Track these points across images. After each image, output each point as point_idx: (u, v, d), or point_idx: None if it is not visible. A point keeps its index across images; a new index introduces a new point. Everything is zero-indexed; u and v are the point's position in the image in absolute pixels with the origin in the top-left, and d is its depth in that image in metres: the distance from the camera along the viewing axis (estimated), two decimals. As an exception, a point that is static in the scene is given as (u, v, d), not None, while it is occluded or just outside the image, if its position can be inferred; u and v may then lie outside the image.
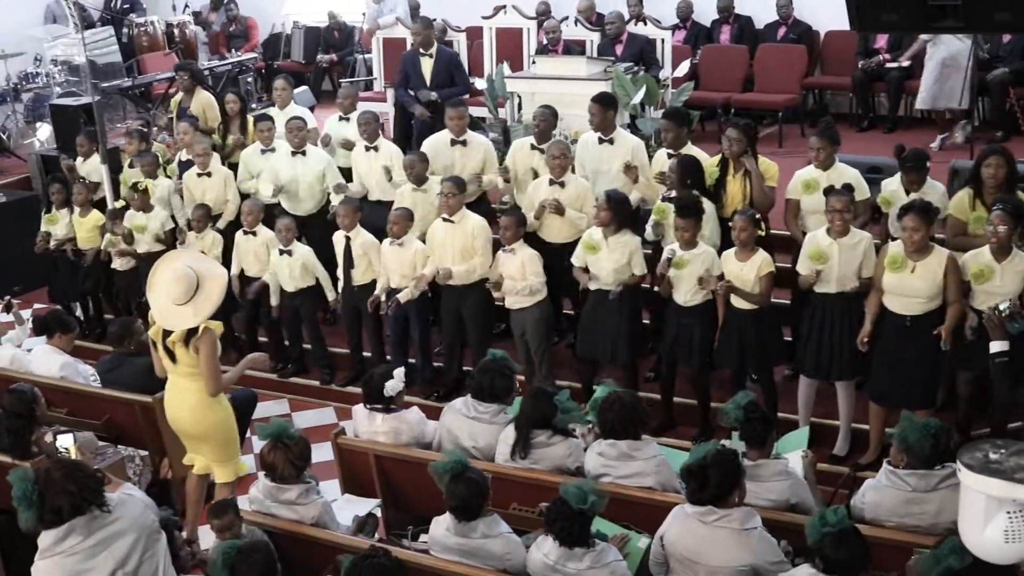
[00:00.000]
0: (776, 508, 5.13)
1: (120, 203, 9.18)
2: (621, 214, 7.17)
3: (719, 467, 4.66)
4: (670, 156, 7.67)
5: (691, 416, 7.43)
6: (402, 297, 7.76)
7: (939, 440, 4.98)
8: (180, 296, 5.82)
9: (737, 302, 6.82)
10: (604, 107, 7.97)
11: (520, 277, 7.41)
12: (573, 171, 7.96)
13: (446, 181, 7.71)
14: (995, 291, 6.16)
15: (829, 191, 6.71)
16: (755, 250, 6.76)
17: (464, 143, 8.50)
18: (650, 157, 8.16)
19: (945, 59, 10.60)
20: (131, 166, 9.53)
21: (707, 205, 7.16)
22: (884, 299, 6.46)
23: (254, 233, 8.47)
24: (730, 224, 6.88)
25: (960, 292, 6.28)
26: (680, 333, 7.08)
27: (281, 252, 8.25)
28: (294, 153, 8.84)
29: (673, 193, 7.37)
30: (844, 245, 6.59)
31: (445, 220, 7.67)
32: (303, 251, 8.27)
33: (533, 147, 8.26)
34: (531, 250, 7.43)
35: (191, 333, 5.85)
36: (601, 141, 8.03)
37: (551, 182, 7.75)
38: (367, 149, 8.75)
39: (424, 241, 7.83)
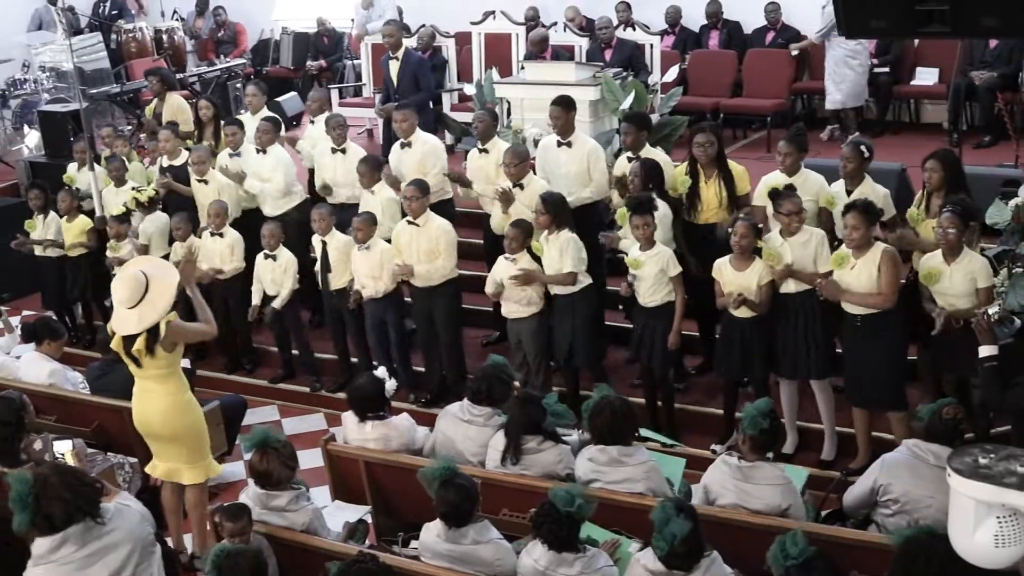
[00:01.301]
0: (768, 512, 5.13)
1: (120, 210, 9.16)
2: (558, 214, 7.24)
3: (692, 534, 4.43)
4: (630, 160, 7.73)
5: (685, 420, 7.47)
6: (365, 294, 7.87)
7: (941, 408, 5.19)
8: (126, 300, 5.72)
9: (736, 311, 6.83)
10: (567, 109, 8.01)
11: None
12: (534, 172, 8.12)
13: (408, 185, 7.79)
14: (945, 292, 6.26)
15: (776, 194, 6.81)
16: (752, 258, 6.77)
17: (409, 145, 8.55)
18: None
19: (838, 59, 10.91)
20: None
21: (661, 206, 7.22)
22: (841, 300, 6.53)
23: (221, 235, 8.49)
24: (729, 230, 6.88)
25: (891, 286, 6.32)
26: (644, 334, 7.17)
27: (266, 256, 8.26)
28: (258, 151, 8.89)
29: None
30: (795, 243, 6.66)
31: (410, 223, 7.72)
32: (287, 257, 8.26)
33: (480, 151, 8.37)
34: (534, 264, 7.43)
35: (153, 338, 5.76)
36: (560, 144, 8.06)
37: (512, 185, 7.83)
38: (334, 152, 8.80)
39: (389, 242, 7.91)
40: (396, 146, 8.75)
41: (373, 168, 8.26)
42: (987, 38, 10.17)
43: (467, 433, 5.95)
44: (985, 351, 5.55)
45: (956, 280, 6.23)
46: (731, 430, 7.02)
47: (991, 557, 3.73)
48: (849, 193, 7.00)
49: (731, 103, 11.92)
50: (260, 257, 8.33)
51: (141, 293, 5.70)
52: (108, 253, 8.97)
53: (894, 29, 5.10)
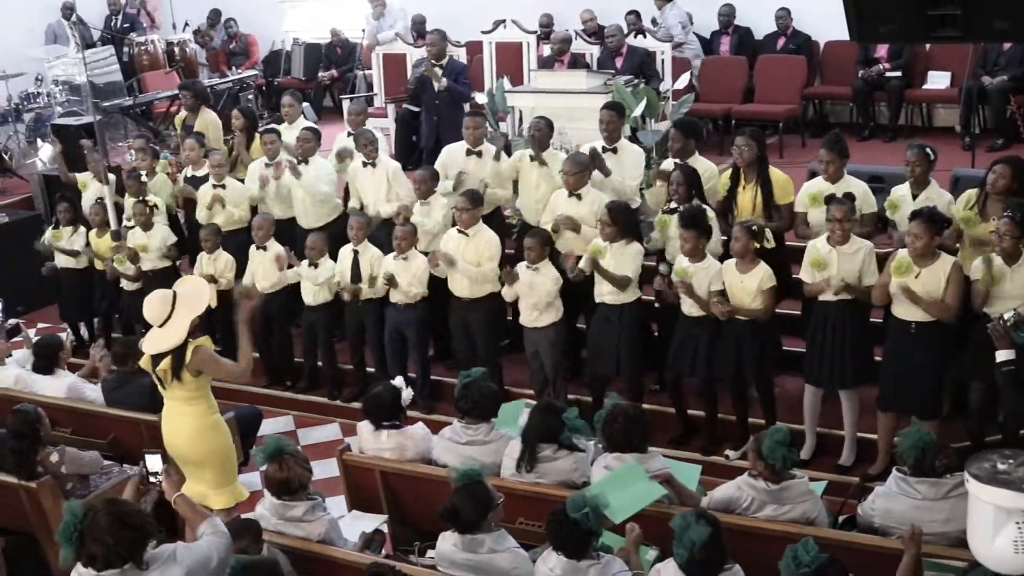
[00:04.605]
0: (799, 522, 5.14)
1: (127, 222, 9.20)
2: (625, 224, 7.17)
3: (712, 540, 4.40)
4: (676, 166, 7.66)
5: (698, 427, 7.45)
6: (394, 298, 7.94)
7: (925, 454, 5.03)
8: (154, 318, 5.69)
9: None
10: (620, 115, 7.98)
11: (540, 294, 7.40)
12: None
13: (460, 196, 7.74)
14: (1005, 295, 6.16)
15: (830, 200, 6.73)
16: (756, 262, 6.75)
17: (479, 154, 8.50)
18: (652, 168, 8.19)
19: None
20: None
21: (713, 217, 7.17)
22: (892, 305, 6.47)
23: (264, 248, 8.50)
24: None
25: (957, 300, 6.26)
26: (686, 343, 7.09)
27: (309, 265, 8.30)
28: (300, 161, 8.83)
29: (673, 205, 7.37)
30: (843, 253, 6.61)
31: (460, 232, 7.69)
32: (329, 267, 8.28)
33: (532, 158, 8.19)
34: (556, 271, 7.40)
35: (178, 365, 5.68)
36: (605, 151, 8.01)
37: (569, 194, 7.72)
38: (365, 165, 8.74)
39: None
40: (459, 151, 8.58)
41: (433, 181, 8.24)
42: (999, 42, 10.14)
43: (471, 454, 5.86)
44: (1003, 355, 5.53)
45: (1018, 282, 6.14)
46: (744, 436, 7.03)
47: (1011, 563, 3.72)
48: (915, 197, 6.92)
49: (743, 109, 11.91)
50: (303, 265, 8.36)
51: (168, 311, 5.68)
52: (116, 265, 9.02)
53: (905, 34, 5.08)
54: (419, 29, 13.15)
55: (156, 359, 5.74)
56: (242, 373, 6.03)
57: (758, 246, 6.80)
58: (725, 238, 7.23)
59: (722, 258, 7.11)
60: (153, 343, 5.72)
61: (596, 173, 7.86)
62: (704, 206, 7.17)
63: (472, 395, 5.96)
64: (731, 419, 7.28)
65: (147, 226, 8.91)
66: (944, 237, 6.57)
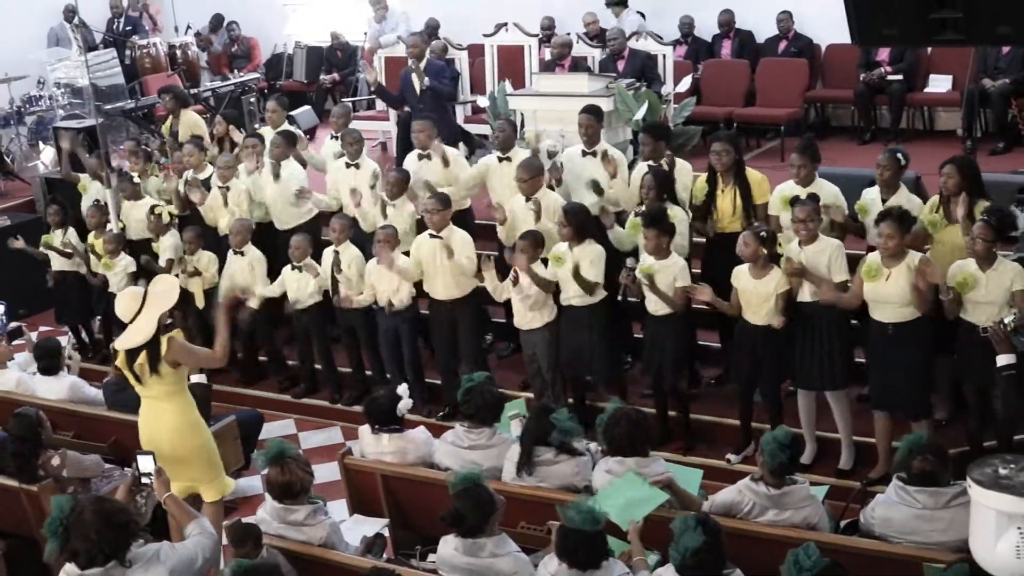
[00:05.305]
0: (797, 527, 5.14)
1: (120, 225, 9.20)
2: (582, 226, 7.21)
3: (706, 548, 4.41)
4: (649, 169, 7.69)
5: (701, 431, 7.45)
6: (381, 301, 7.92)
7: (911, 456, 5.02)
8: (124, 313, 5.76)
9: (752, 318, 6.81)
10: (598, 119, 8.03)
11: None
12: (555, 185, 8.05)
13: (429, 198, 7.77)
14: (980, 300, 6.17)
15: (794, 201, 6.76)
16: (770, 267, 6.71)
17: (428, 157, 8.54)
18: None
19: None
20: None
21: (679, 212, 7.26)
22: (869, 309, 6.48)
23: (242, 253, 8.51)
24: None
25: (932, 292, 6.25)
26: (654, 343, 7.16)
27: (293, 267, 8.28)
28: (274, 167, 8.89)
29: (644, 208, 7.40)
30: (809, 252, 6.65)
31: (432, 236, 7.69)
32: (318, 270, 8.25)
33: (500, 159, 8.32)
34: (548, 272, 7.39)
35: (155, 358, 5.71)
36: (584, 154, 8.05)
37: (526, 199, 7.80)
38: (348, 166, 8.78)
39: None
40: (413, 156, 8.68)
41: (403, 180, 8.24)
42: (1001, 45, 10.14)
43: (473, 459, 5.86)
44: (1003, 360, 5.53)
45: (992, 287, 6.13)
46: (747, 440, 7.03)
47: (1013, 568, 3.72)
48: (884, 201, 6.93)
49: (744, 112, 11.90)
50: (287, 269, 8.35)
51: (138, 307, 5.73)
52: (101, 269, 9.02)
53: (907, 37, 5.09)
54: (431, 34, 13.11)
55: (131, 357, 5.76)
56: (218, 360, 6.07)
57: (765, 252, 6.77)
58: (703, 239, 7.51)
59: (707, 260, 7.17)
60: (125, 339, 5.76)
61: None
62: (666, 206, 7.21)
63: (475, 400, 5.96)
64: (734, 423, 7.28)
65: (163, 230, 8.94)
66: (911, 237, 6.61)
